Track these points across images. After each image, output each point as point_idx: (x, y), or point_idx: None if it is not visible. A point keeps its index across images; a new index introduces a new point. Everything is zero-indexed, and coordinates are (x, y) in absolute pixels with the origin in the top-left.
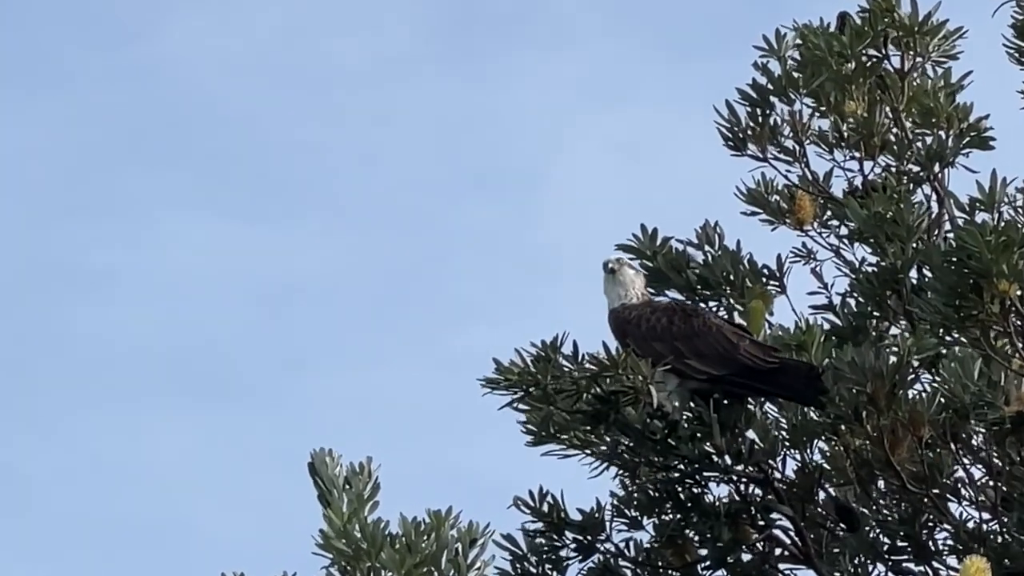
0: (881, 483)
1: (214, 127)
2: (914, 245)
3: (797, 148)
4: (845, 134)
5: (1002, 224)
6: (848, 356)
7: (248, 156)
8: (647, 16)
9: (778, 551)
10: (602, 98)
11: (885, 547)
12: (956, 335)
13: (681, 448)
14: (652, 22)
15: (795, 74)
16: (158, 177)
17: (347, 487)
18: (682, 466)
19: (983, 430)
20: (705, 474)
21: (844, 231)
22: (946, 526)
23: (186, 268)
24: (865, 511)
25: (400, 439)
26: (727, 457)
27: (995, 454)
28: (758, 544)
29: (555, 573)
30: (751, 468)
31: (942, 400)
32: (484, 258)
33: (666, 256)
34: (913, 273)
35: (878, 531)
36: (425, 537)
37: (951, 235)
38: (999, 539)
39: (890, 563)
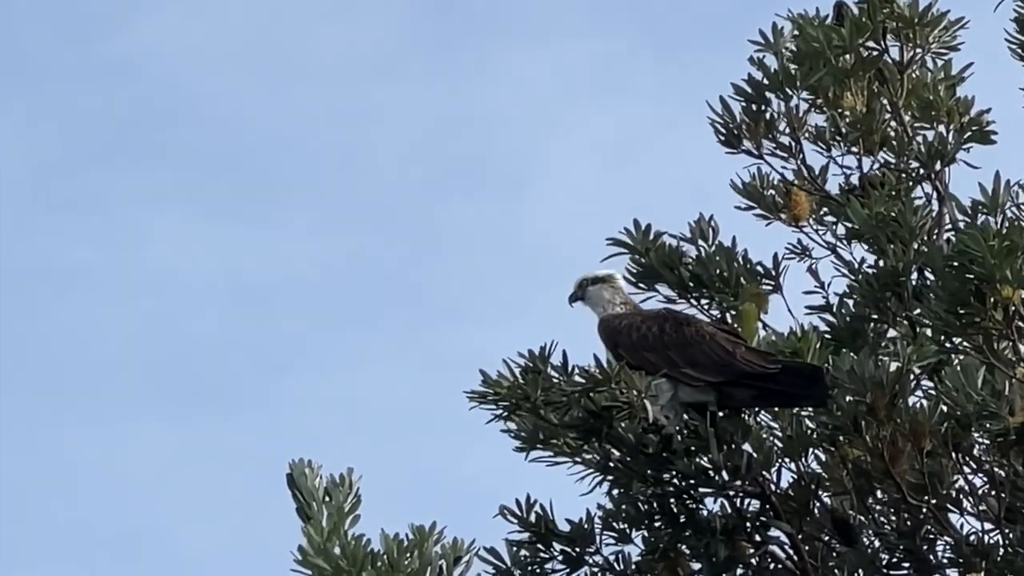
0: (879, 494)
1: (193, 123)
2: (916, 246)
3: (793, 144)
4: (844, 130)
5: (1006, 227)
6: (847, 364)
7: (228, 153)
8: (635, 10)
9: (774, 566)
10: (590, 94)
11: (884, 561)
12: (958, 342)
13: (676, 463)
14: (640, 16)
15: (791, 66)
16: (135, 174)
17: (327, 500)
18: (677, 481)
19: (986, 440)
20: (701, 489)
21: (841, 230)
22: (947, 539)
23: (164, 268)
24: (863, 523)
25: (384, 444)
26: (724, 472)
27: (998, 464)
28: (753, 560)
29: None
30: (747, 483)
31: (944, 410)
32: (471, 258)
33: (658, 252)
34: (914, 276)
35: (877, 545)
36: (408, 555)
37: (953, 236)
38: (1002, 552)
39: None
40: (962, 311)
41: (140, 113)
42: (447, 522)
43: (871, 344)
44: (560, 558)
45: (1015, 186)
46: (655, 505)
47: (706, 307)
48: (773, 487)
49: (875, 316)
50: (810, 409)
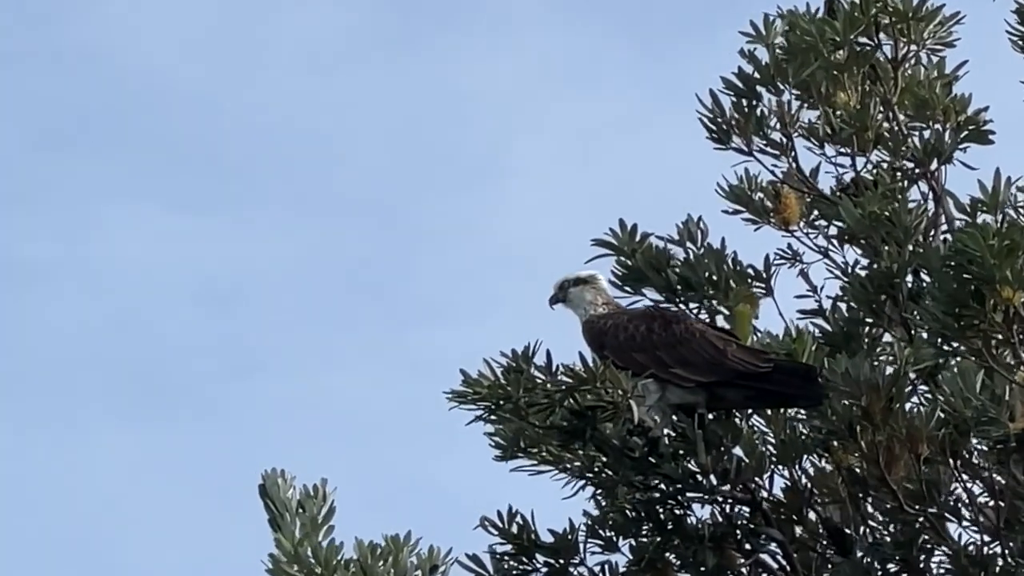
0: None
1: (157, 112)
2: (911, 247)
3: (785, 141)
4: (837, 127)
5: (1005, 226)
6: (842, 367)
7: (193, 144)
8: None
9: None
10: (565, 86)
11: (879, 572)
12: (956, 345)
13: (663, 467)
14: (617, 5)
15: (782, 57)
16: (97, 165)
17: (300, 511)
18: (663, 486)
19: (985, 447)
20: (688, 495)
21: (833, 231)
22: (944, 549)
23: (127, 263)
24: (858, 532)
25: (358, 450)
26: (712, 477)
27: (997, 472)
28: (743, 569)
29: None
30: (738, 489)
31: (942, 415)
32: (446, 254)
33: (645, 254)
34: (909, 277)
35: (872, 554)
36: (382, 562)
37: (949, 236)
38: (1001, 564)
39: None
40: (960, 313)
41: (102, 101)
42: (424, 530)
43: (866, 348)
44: (544, 570)
45: (1015, 186)
46: (642, 513)
47: (695, 311)
48: (765, 493)
49: (869, 320)
50: (803, 413)
